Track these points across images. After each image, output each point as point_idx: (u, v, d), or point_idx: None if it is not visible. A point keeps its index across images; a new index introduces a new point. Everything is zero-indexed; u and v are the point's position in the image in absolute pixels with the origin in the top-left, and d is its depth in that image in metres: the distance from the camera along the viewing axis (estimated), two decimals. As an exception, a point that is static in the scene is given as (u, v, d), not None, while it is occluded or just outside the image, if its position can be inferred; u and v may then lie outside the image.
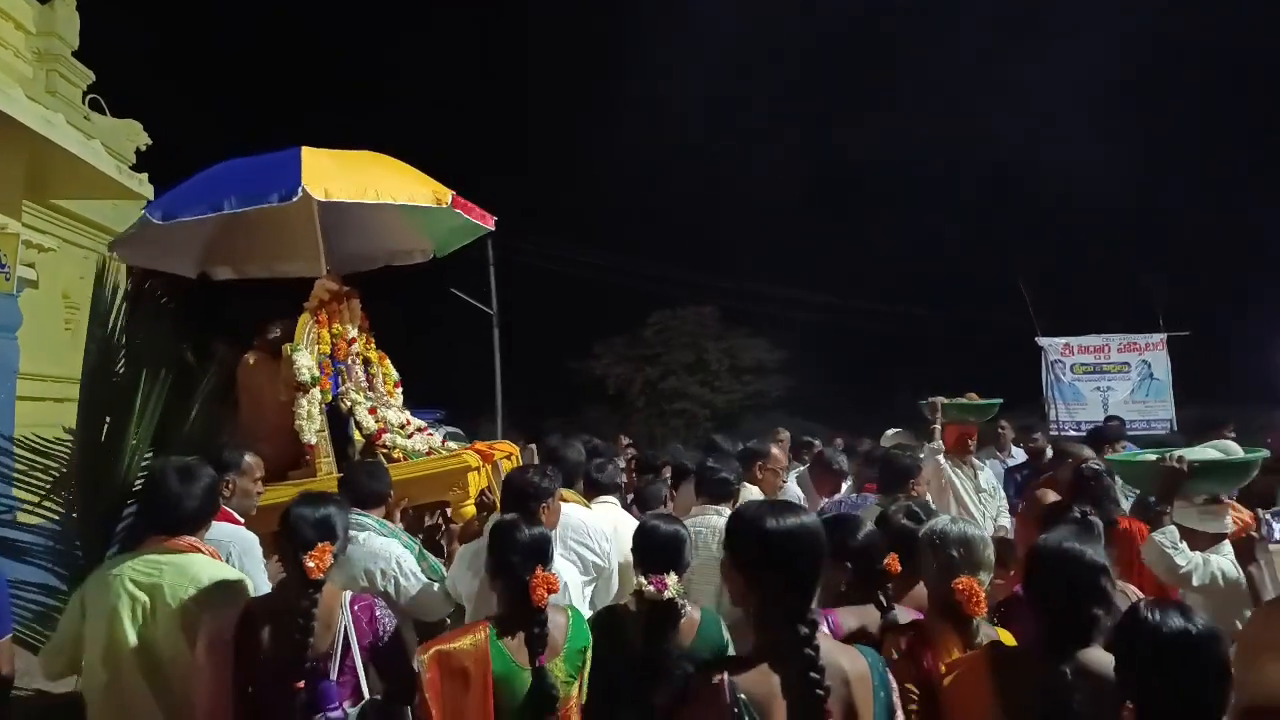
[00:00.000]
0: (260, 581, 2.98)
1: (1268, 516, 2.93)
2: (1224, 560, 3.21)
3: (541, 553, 2.49)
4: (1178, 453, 3.46)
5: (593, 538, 3.52)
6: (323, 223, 4.81)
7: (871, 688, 1.80)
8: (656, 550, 2.68)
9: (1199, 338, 14.75)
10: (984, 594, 2.28)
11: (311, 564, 2.35)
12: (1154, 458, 3.60)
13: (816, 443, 7.35)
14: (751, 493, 4.33)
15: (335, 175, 4.27)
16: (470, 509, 4.08)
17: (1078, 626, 1.97)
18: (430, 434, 4.74)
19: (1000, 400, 6.11)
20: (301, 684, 2.31)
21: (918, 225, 32.12)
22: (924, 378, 26.98)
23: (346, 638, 2.44)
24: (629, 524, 3.60)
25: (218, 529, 3.00)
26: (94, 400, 4.27)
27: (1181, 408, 11.99)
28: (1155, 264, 15.42)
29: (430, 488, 4.25)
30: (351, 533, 2.83)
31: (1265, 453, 3.40)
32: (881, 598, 2.55)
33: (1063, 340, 14.65)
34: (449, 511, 4.22)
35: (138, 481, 3.95)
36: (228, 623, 2.39)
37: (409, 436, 4.56)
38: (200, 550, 2.70)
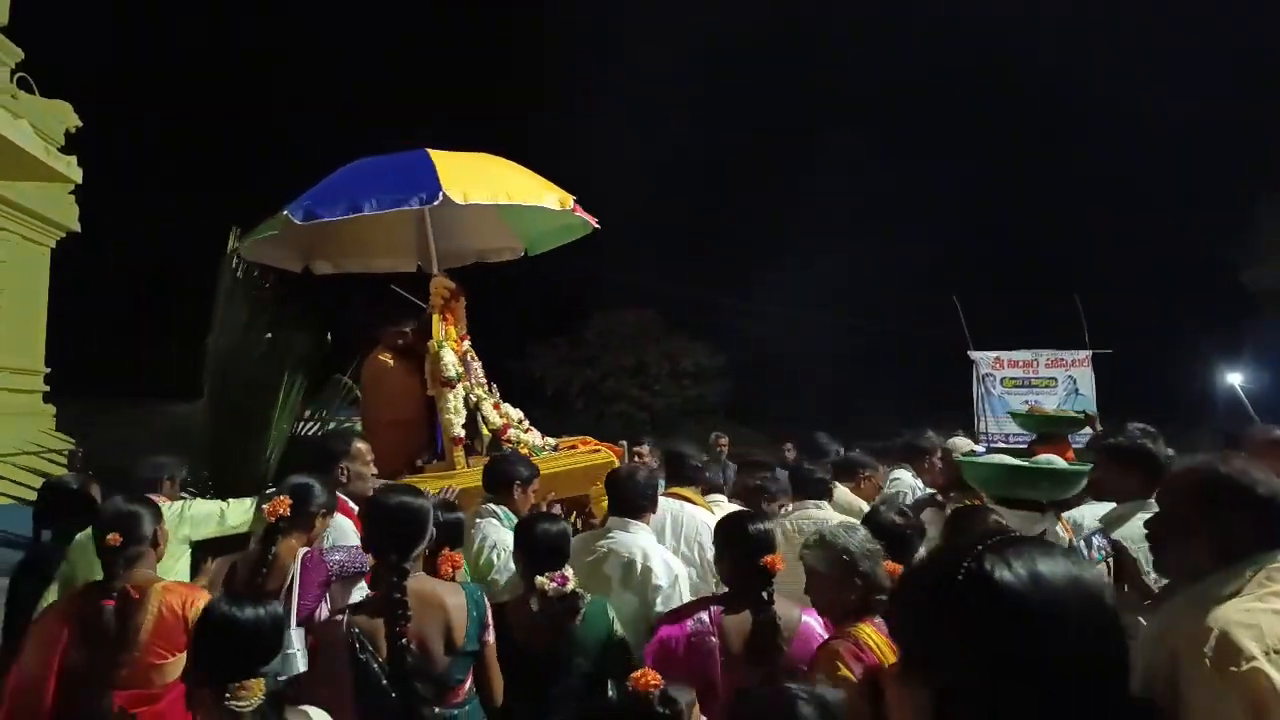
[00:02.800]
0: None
1: (1088, 536, 2.92)
2: None
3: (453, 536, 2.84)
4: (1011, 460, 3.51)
5: (704, 540, 3.51)
6: (423, 221, 4.87)
7: (465, 611, 2.49)
8: (548, 551, 2.75)
9: (1122, 356, 15.41)
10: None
11: (266, 507, 2.77)
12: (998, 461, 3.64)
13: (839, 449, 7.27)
14: (843, 491, 4.42)
15: (469, 178, 4.38)
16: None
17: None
18: (530, 430, 4.86)
19: (1085, 412, 5.84)
20: None
21: (859, 239, 32.75)
22: (861, 386, 27.66)
23: (298, 580, 2.80)
24: None
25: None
26: (225, 388, 4.50)
27: (1104, 423, 12.42)
28: (1082, 284, 15.95)
29: (575, 482, 4.38)
30: (478, 520, 3.47)
31: (1088, 467, 3.43)
32: (764, 595, 2.58)
33: (994, 354, 15.12)
34: (589, 506, 4.34)
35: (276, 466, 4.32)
36: (219, 568, 2.93)
37: (526, 432, 4.72)
38: None
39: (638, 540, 3.19)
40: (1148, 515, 2.21)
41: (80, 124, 10.14)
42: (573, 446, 4.83)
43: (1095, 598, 1.03)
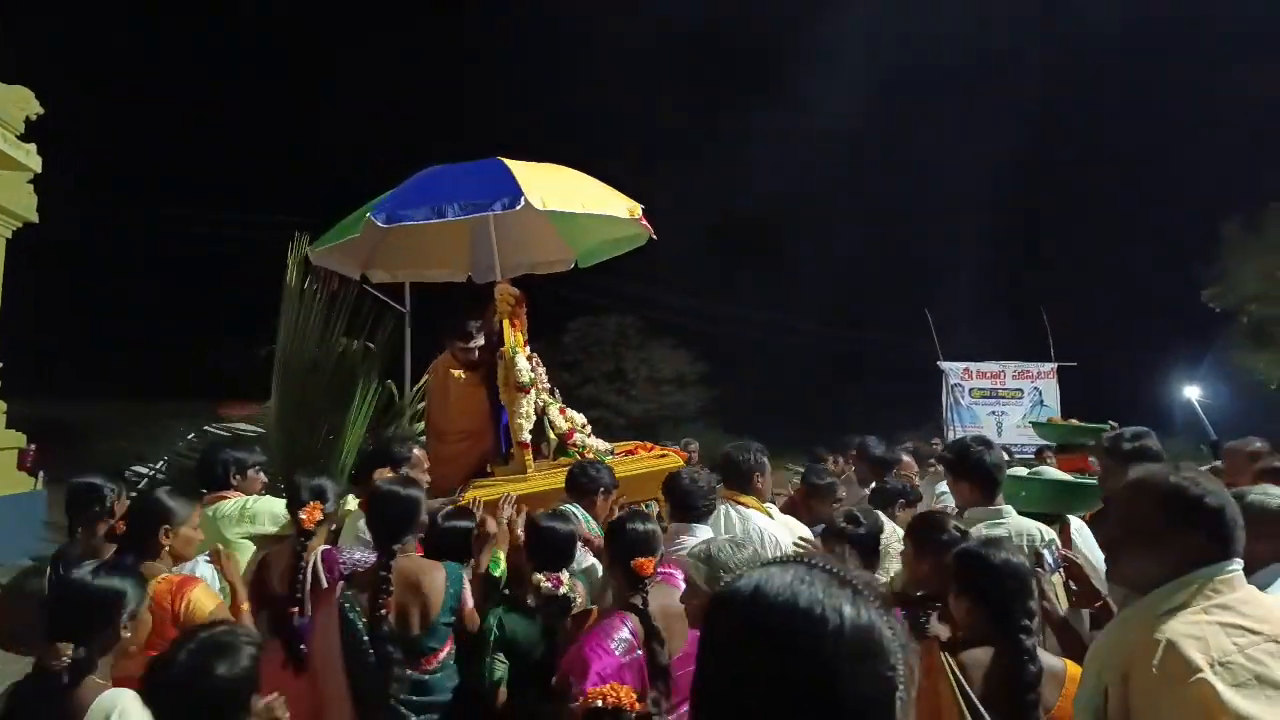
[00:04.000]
0: None
1: (1039, 549, 2.92)
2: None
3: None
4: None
5: (766, 546, 3.53)
6: (479, 232, 4.88)
7: (444, 588, 2.87)
8: (553, 550, 3.06)
9: (1086, 369, 15.65)
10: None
11: (303, 516, 3.00)
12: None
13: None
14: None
15: (546, 185, 4.42)
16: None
17: (1016, 617, 2.23)
18: (592, 435, 4.93)
19: (1111, 423, 5.73)
20: (295, 610, 2.91)
21: (838, 253, 33.04)
22: (838, 394, 27.83)
23: (314, 576, 2.99)
24: (800, 528, 3.85)
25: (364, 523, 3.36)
26: (295, 393, 4.64)
27: (1068, 435, 12.55)
28: (1049, 299, 16.22)
29: (644, 486, 4.35)
30: None
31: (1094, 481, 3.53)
32: (638, 600, 2.68)
33: (963, 365, 15.31)
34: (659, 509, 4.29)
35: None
36: (251, 565, 3.22)
37: (590, 436, 4.78)
38: None
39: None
40: None
41: (41, 111, 9.89)
42: (630, 451, 4.84)
43: (861, 636, 0.92)
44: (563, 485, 3.92)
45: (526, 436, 4.45)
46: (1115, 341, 24.61)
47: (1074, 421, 6.06)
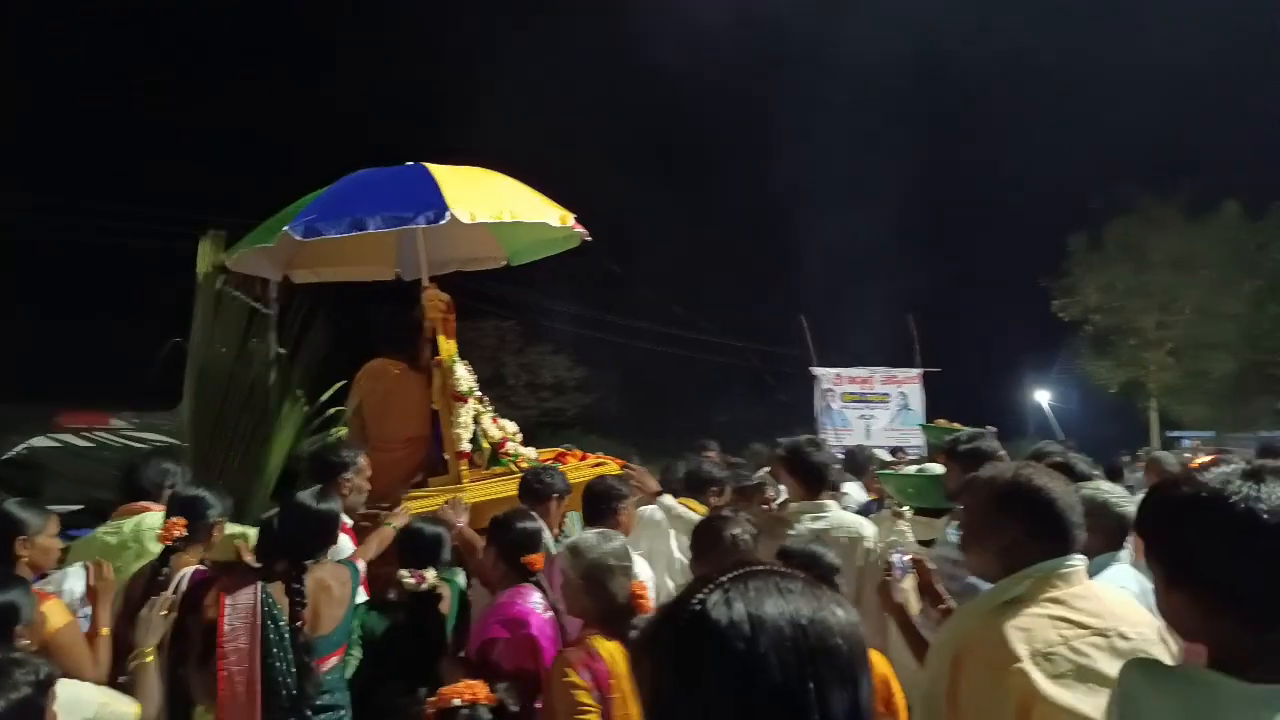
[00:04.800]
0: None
1: (888, 552, 3.07)
2: None
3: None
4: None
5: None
6: (406, 230, 4.65)
7: (349, 594, 2.87)
8: (418, 548, 3.15)
9: (949, 374, 16.58)
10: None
11: (159, 531, 2.95)
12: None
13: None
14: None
15: (473, 194, 4.30)
16: None
17: None
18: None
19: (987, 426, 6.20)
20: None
21: (719, 258, 33.74)
22: (718, 399, 28.37)
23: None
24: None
25: None
26: (210, 403, 4.43)
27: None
28: (915, 307, 17.12)
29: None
30: None
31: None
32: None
33: (834, 370, 15.96)
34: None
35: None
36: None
37: (522, 445, 4.69)
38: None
39: None
40: None
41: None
42: (556, 458, 4.78)
43: (830, 642, 0.89)
44: (499, 495, 3.90)
45: (466, 446, 4.35)
46: (975, 349, 26.12)
47: (958, 425, 6.54)
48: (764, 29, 37.68)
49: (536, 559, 2.86)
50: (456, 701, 2.29)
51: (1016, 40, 31.40)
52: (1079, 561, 1.94)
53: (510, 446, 4.58)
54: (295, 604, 2.74)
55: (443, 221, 4.10)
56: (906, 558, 2.84)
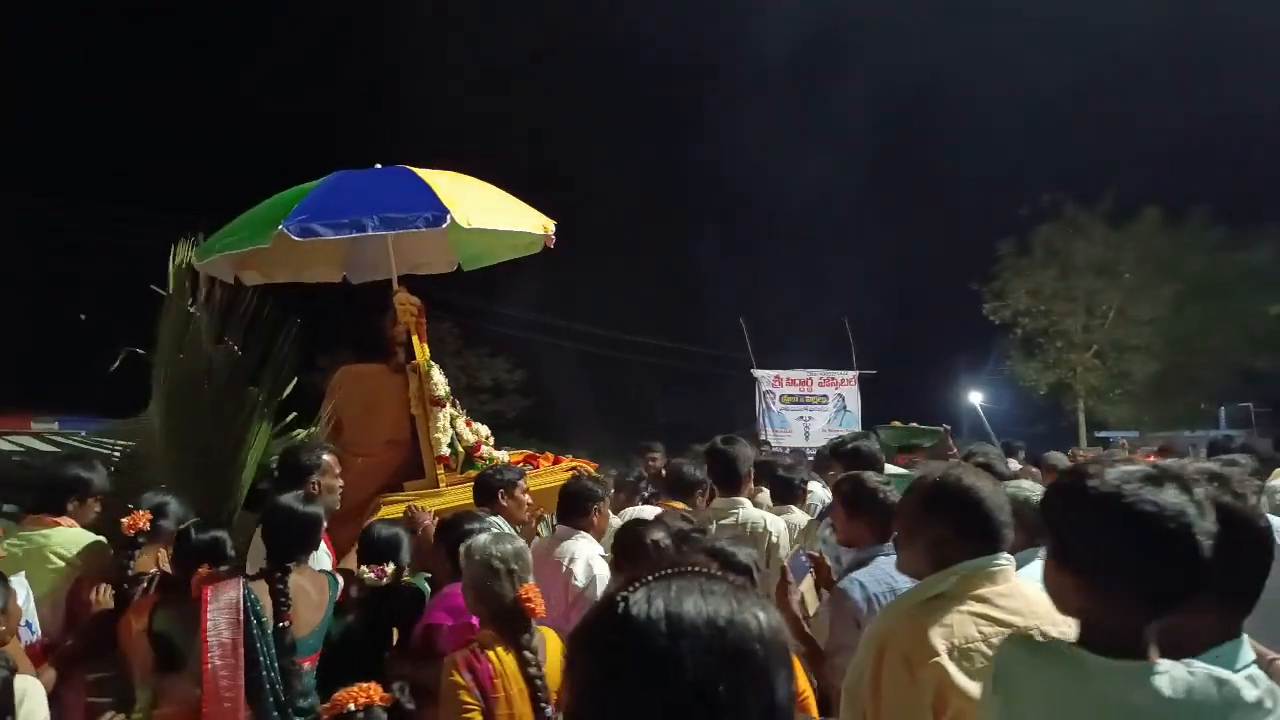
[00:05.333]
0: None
1: (797, 558, 3.17)
2: None
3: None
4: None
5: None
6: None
7: (326, 600, 2.99)
8: (377, 547, 3.28)
9: (884, 376, 16.82)
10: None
11: (125, 521, 3.10)
12: None
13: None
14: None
15: (466, 200, 4.32)
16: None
17: None
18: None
19: (944, 426, 6.49)
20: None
21: (661, 260, 33.79)
22: (659, 401, 28.33)
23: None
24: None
25: None
26: (181, 411, 4.34)
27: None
28: (852, 310, 17.33)
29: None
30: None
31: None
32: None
33: (774, 372, 16.04)
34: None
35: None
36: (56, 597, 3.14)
37: (495, 449, 4.73)
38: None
39: (575, 545, 3.49)
40: None
41: None
42: (526, 460, 4.83)
43: (747, 646, 0.89)
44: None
45: (445, 450, 4.39)
46: (911, 351, 26.66)
47: (915, 425, 6.92)
48: (690, 32, 37.88)
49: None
50: (351, 706, 2.29)
51: (949, 52, 32.22)
52: (1005, 561, 1.99)
53: (485, 450, 4.66)
54: (280, 604, 2.83)
55: (444, 225, 4.16)
56: (804, 556, 2.96)
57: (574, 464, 4.93)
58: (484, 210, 4.46)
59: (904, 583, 2.30)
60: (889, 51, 33.23)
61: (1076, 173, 25.36)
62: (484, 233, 4.95)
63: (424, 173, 4.54)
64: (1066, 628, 1.86)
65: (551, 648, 2.58)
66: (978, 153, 30.68)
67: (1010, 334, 25.70)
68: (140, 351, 4.62)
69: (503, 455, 4.75)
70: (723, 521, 3.65)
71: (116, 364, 4.61)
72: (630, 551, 2.95)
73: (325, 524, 3.26)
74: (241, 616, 2.73)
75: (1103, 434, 23.83)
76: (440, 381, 4.47)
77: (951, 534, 2.00)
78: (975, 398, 27.31)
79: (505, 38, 37.27)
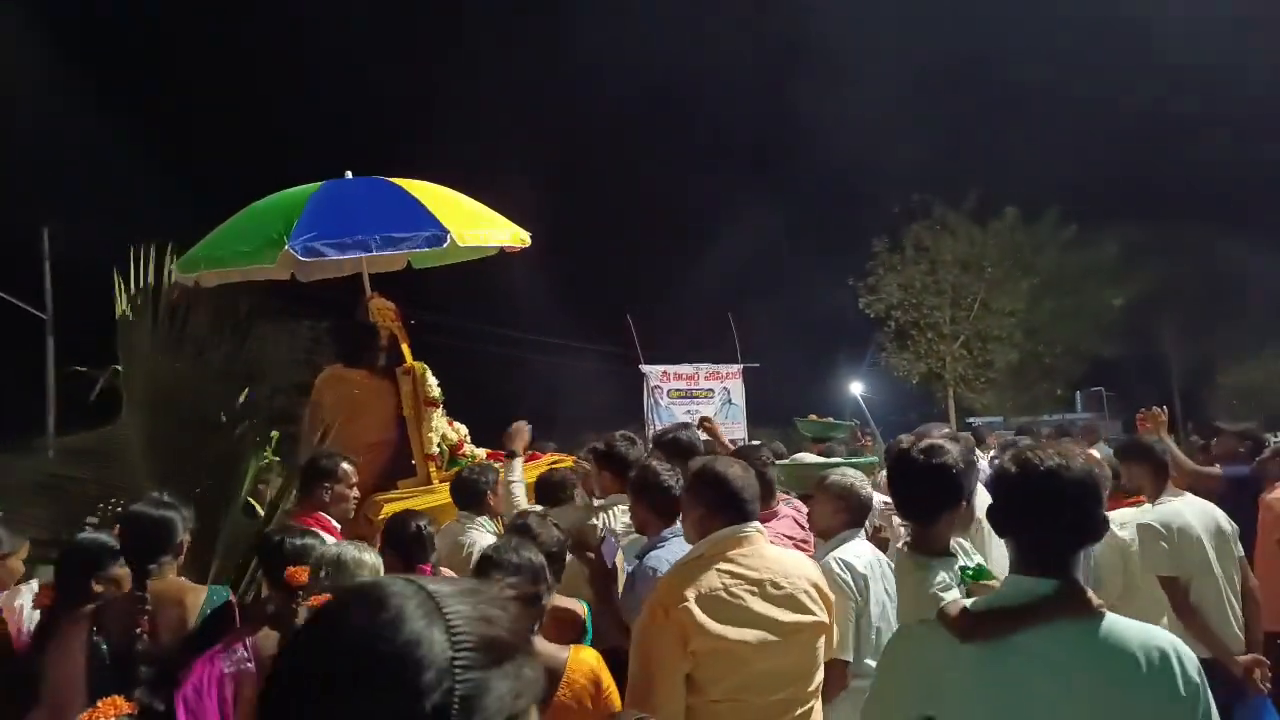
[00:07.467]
0: None
1: (610, 539, 3.44)
2: None
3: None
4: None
5: None
6: None
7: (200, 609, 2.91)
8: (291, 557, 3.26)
9: (768, 369, 17.24)
10: None
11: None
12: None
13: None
14: None
15: (457, 217, 4.47)
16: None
17: None
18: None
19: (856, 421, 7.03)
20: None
21: (540, 255, 33.40)
22: (551, 399, 28.13)
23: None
24: None
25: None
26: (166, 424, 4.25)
27: (752, 429, 13.73)
28: (734, 305, 17.66)
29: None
30: (469, 530, 3.90)
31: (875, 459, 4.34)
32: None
33: (661, 368, 16.16)
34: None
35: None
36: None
37: (476, 447, 4.83)
38: None
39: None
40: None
41: None
42: (494, 456, 4.90)
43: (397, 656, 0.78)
44: None
45: (436, 450, 4.54)
46: (792, 344, 27.46)
47: (830, 419, 7.79)
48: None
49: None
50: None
51: (831, 53, 33.32)
52: (751, 529, 2.48)
53: (467, 448, 4.84)
54: (137, 611, 2.79)
55: (444, 245, 4.36)
56: (612, 539, 3.25)
57: (554, 459, 5.06)
58: (475, 227, 4.66)
59: None
60: (774, 55, 34.11)
61: (944, 173, 26.69)
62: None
63: (406, 185, 4.70)
64: (800, 580, 2.47)
65: None
66: (856, 154, 31.88)
67: (884, 327, 26.81)
68: (83, 370, 4.64)
69: (481, 453, 4.91)
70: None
71: (96, 391, 4.57)
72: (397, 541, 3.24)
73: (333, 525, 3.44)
74: (86, 635, 2.70)
75: (971, 420, 25.27)
76: (434, 383, 4.63)
77: (707, 511, 2.48)
78: (856, 388, 28.43)
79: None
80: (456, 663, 0.77)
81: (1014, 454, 1.84)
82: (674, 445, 3.88)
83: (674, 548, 2.97)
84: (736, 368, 16.79)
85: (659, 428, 15.35)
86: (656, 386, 16.77)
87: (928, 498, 2.21)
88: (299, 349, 5.49)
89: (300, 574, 2.73)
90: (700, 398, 17.08)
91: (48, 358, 21.29)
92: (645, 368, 16.75)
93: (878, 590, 3.17)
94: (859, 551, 3.24)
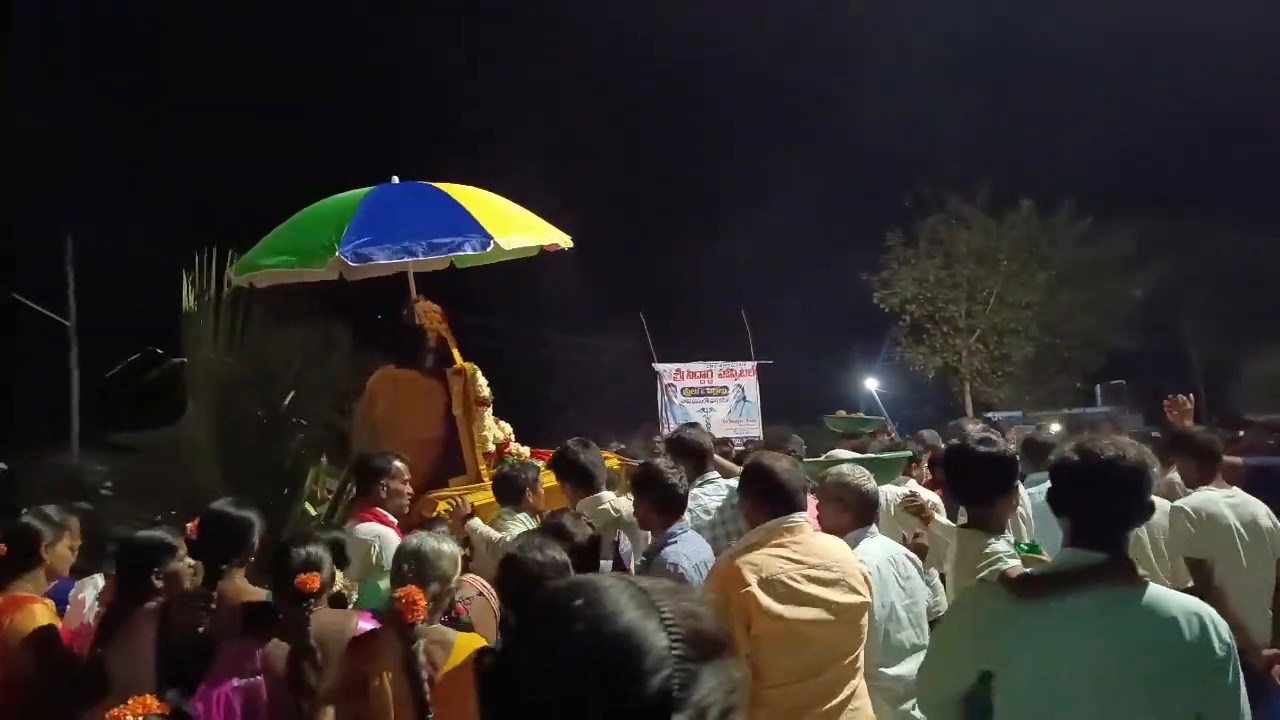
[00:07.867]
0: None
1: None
2: None
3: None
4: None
5: None
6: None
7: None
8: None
9: (783, 366, 17.23)
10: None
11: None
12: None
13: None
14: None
15: (501, 221, 4.64)
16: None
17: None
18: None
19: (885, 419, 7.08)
20: None
21: (562, 257, 33.49)
22: (564, 398, 28.22)
23: None
24: None
25: (364, 528, 3.58)
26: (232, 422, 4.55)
27: (767, 426, 13.77)
28: (749, 301, 17.66)
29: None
30: (510, 526, 3.88)
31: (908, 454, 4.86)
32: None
33: (675, 366, 16.21)
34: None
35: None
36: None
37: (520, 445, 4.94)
38: None
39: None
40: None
41: None
42: (533, 455, 5.03)
43: (619, 651, 0.82)
44: None
45: (491, 447, 4.69)
46: (806, 340, 27.39)
47: (859, 414, 7.73)
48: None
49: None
50: (129, 718, 2.15)
51: (846, 49, 33.20)
52: (799, 518, 2.70)
53: (513, 446, 4.95)
54: (202, 610, 2.80)
55: (488, 249, 4.50)
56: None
57: (605, 455, 5.17)
58: (517, 231, 4.80)
59: (710, 554, 3.14)
60: (783, 45, 34.02)
61: (959, 166, 26.54)
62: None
63: (450, 190, 4.85)
64: (847, 566, 2.68)
65: (456, 652, 2.44)
66: (865, 148, 31.74)
67: (899, 321, 26.71)
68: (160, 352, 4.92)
69: (525, 451, 5.05)
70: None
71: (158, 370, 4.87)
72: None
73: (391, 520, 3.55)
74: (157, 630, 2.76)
75: (988, 415, 25.13)
76: (484, 383, 4.78)
77: (755, 503, 2.73)
78: (871, 384, 28.32)
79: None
80: (674, 650, 0.80)
81: (1077, 444, 2.06)
82: (679, 444, 4.00)
83: (688, 542, 3.09)
84: (750, 365, 16.79)
85: (673, 427, 15.44)
86: (670, 385, 16.79)
87: (985, 482, 2.56)
88: (343, 350, 5.80)
89: (311, 581, 2.67)
90: (714, 395, 17.12)
91: (71, 363, 21.66)
92: (658, 366, 16.77)
93: (885, 592, 3.02)
94: (868, 551, 3.10)
